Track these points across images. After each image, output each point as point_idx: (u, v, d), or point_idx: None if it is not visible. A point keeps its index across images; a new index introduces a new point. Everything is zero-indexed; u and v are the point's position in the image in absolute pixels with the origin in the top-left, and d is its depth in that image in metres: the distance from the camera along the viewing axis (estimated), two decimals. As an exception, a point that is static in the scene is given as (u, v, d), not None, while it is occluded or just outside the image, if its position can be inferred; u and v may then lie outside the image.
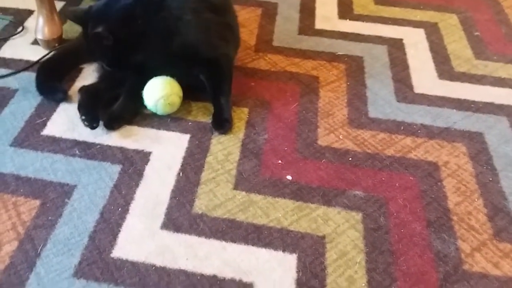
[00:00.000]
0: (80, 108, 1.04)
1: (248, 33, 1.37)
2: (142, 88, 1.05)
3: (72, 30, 1.32)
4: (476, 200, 0.93)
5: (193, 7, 1.04)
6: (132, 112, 1.07)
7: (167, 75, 1.06)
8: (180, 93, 1.07)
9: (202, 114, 1.09)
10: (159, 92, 1.03)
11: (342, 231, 0.86)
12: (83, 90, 1.07)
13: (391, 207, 0.90)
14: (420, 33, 1.41)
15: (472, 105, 1.15)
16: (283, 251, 0.83)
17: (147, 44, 1.00)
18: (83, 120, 1.01)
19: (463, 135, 1.07)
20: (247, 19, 1.43)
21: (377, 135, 1.06)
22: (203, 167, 0.97)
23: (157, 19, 0.99)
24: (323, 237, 0.85)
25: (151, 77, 1.05)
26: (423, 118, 1.11)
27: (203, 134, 1.04)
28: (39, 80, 1.12)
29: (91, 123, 1.01)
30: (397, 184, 0.95)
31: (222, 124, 1.05)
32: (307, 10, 1.50)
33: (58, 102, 1.10)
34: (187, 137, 1.04)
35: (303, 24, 1.43)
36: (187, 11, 1.03)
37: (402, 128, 1.08)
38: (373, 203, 0.91)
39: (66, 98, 1.10)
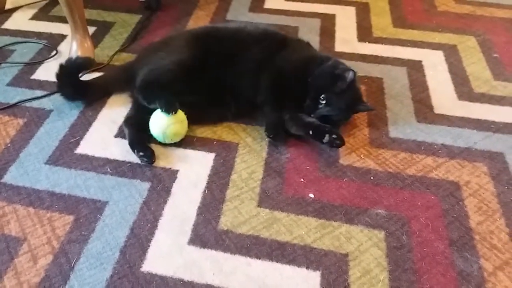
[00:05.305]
0: (134, 145, 1.05)
1: (270, 56, 1.41)
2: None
3: (103, 54, 1.39)
4: (498, 219, 0.94)
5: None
6: None
7: None
8: (183, 118, 1.07)
9: (226, 134, 1.13)
10: (159, 128, 1.04)
11: (365, 249, 0.88)
12: (129, 124, 1.10)
13: (413, 226, 0.92)
14: (439, 55, 1.44)
15: (492, 126, 1.17)
16: (307, 268, 0.84)
17: None
18: (141, 157, 1.03)
19: (484, 155, 1.08)
20: (269, 42, 1.47)
21: (398, 154, 1.08)
22: (228, 185, 1.00)
23: None
24: (346, 255, 0.87)
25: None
26: (443, 138, 1.13)
27: (228, 153, 1.08)
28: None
29: (150, 159, 1.03)
30: (419, 203, 0.96)
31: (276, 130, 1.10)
32: (327, 33, 1.55)
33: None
34: (212, 155, 1.07)
35: (323, 47, 1.47)
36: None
37: (422, 148, 1.10)
38: (395, 221, 0.93)
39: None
